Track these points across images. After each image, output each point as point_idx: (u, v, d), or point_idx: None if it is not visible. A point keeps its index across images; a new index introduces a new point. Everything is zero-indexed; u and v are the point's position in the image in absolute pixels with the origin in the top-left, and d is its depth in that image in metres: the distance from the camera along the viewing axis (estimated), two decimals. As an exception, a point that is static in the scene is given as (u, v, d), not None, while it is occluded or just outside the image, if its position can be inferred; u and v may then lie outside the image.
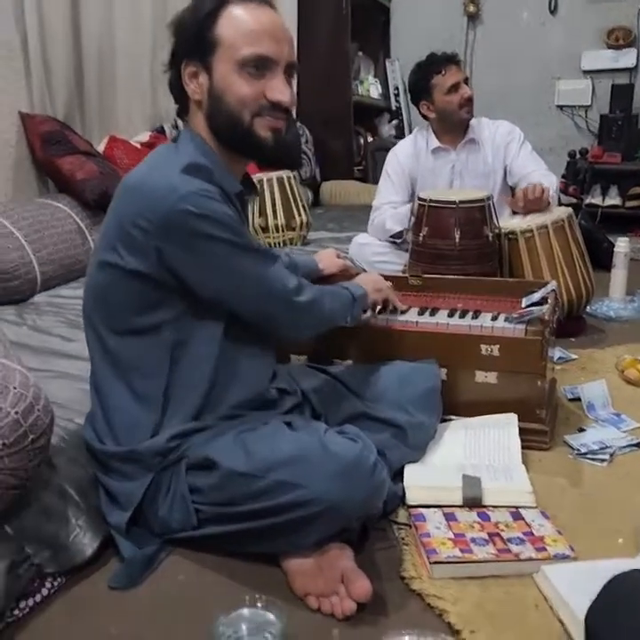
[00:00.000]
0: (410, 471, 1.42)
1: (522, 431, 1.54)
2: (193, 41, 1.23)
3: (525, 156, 2.64)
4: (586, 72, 4.34)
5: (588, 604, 0.91)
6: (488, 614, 1.09)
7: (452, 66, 2.59)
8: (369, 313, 1.67)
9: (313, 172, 4.20)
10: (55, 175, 2.59)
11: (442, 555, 1.18)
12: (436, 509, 1.32)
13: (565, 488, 1.46)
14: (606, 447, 1.58)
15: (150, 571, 1.21)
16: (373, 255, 2.64)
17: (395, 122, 4.85)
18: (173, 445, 1.24)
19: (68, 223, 2.41)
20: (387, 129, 4.83)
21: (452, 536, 1.23)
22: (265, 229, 2.95)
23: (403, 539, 1.29)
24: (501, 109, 3.95)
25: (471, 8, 4.49)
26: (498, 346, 1.58)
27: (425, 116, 2.69)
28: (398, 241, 2.61)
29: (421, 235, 2.14)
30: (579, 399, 1.83)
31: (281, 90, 1.22)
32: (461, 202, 2.09)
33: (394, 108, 4.89)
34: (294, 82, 1.30)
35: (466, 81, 2.62)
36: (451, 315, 1.72)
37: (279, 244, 2.94)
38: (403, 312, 1.73)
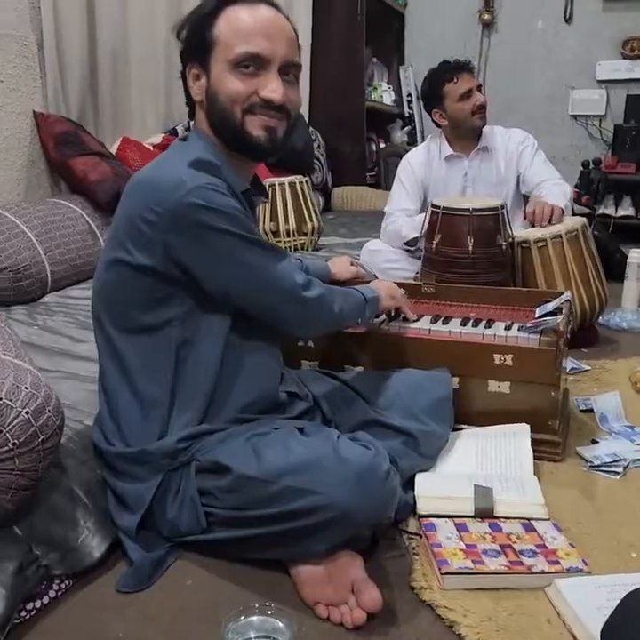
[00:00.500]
0: (421, 480, 1.41)
1: (534, 442, 1.52)
2: (194, 43, 1.24)
3: (539, 165, 2.62)
4: (600, 82, 4.33)
5: (602, 619, 0.90)
6: (499, 627, 1.08)
7: (464, 73, 2.57)
8: (382, 318, 1.67)
9: (324, 177, 4.19)
10: (68, 176, 2.59)
11: (453, 565, 1.17)
12: (446, 519, 1.31)
13: (578, 500, 1.44)
14: (619, 460, 1.57)
15: (158, 575, 1.20)
16: (385, 262, 2.62)
17: (407, 128, 4.85)
18: (183, 447, 1.23)
19: (80, 224, 2.41)
20: (399, 135, 4.82)
21: (464, 547, 1.22)
22: (276, 234, 2.94)
23: (413, 548, 1.27)
24: (515, 118, 3.95)
25: (486, 16, 4.48)
26: (511, 355, 1.57)
27: (437, 124, 2.68)
28: (412, 248, 2.59)
29: (434, 242, 2.13)
30: (591, 410, 1.81)
31: (273, 88, 1.20)
32: (475, 210, 2.08)
33: (407, 114, 4.88)
34: (301, 84, 1.30)
35: (479, 88, 2.61)
36: (464, 323, 1.70)
37: (290, 248, 2.93)
38: (415, 320, 1.72)
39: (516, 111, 4.09)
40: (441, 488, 1.38)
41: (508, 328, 1.66)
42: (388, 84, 4.84)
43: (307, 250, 2.99)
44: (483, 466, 1.48)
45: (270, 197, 2.89)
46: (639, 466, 1.57)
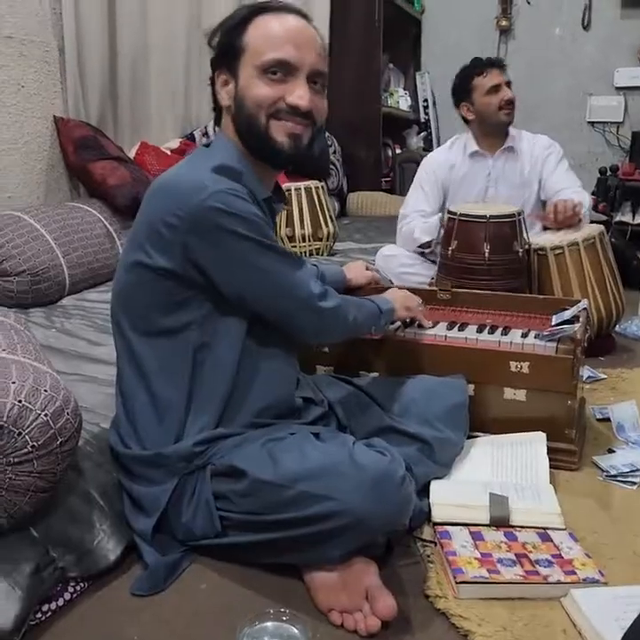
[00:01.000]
0: (436, 488, 1.40)
1: (550, 450, 1.52)
2: (224, 50, 1.26)
3: (561, 173, 2.63)
4: (618, 88, 4.30)
5: (619, 631, 0.89)
6: (514, 637, 1.07)
7: (494, 69, 2.60)
8: (397, 324, 1.67)
9: (340, 182, 4.20)
10: (87, 180, 2.62)
11: (468, 574, 1.16)
12: (461, 527, 1.30)
13: (594, 510, 1.43)
14: (636, 470, 1.55)
15: (173, 578, 1.20)
16: (400, 267, 2.62)
17: (423, 134, 4.85)
18: (199, 451, 1.23)
19: (98, 227, 2.43)
20: (415, 141, 4.82)
21: (479, 555, 1.21)
22: (291, 239, 2.95)
23: (428, 556, 1.27)
24: (532, 124, 3.91)
25: (503, 22, 4.47)
26: (528, 363, 1.56)
27: (465, 120, 2.69)
28: (426, 251, 2.58)
29: (450, 249, 2.12)
30: (608, 419, 1.80)
31: (300, 94, 1.22)
32: (492, 216, 2.08)
33: (423, 120, 4.88)
34: (325, 94, 1.30)
35: (508, 84, 2.62)
36: (480, 330, 1.70)
37: (305, 253, 2.94)
38: (430, 327, 1.71)
39: (533, 118, 4.07)
40: (456, 496, 1.37)
41: (524, 335, 1.65)
42: (405, 89, 4.84)
43: (322, 255, 2.99)
44: (498, 474, 1.47)
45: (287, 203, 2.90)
46: (656, 476, 1.55)
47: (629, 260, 3.07)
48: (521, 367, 1.57)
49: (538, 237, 2.28)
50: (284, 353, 1.36)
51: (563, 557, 1.22)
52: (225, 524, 1.20)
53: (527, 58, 4.48)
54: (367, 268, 1.83)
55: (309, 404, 1.44)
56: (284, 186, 2.86)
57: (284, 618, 1.00)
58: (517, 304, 1.82)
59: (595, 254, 2.23)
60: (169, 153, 3.05)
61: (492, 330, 1.70)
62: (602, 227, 2.33)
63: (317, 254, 2.98)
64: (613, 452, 1.66)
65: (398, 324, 1.69)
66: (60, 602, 1.14)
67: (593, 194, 3.83)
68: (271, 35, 1.22)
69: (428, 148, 4.67)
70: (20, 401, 1.03)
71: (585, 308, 1.70)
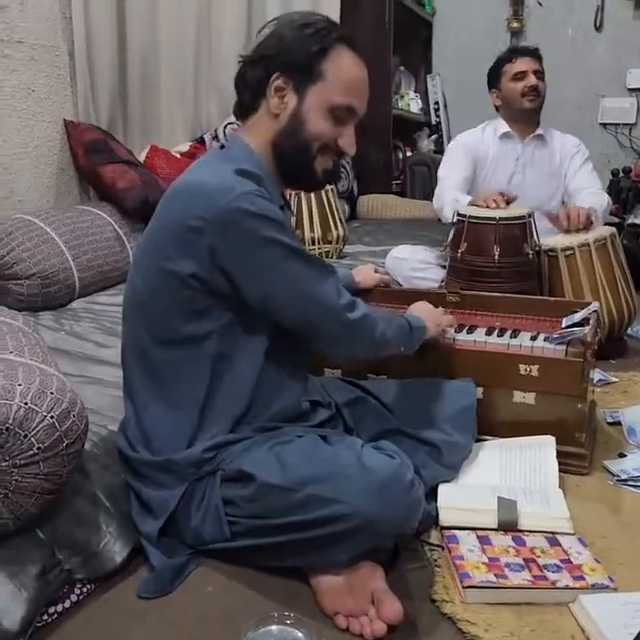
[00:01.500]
0: (444, 491, 1.39)
1: (560, 454, 1.50)
2: (297, 62, 1.24)
3: (585, 173, 2.64)
4: (631, 90, 4.28)
5: (628, 638, 0.88)
6: (522, 643, 1.06)
7: (525, 56, 2.62)
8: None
9: (350, 185, 4.19)
10: (97, 183, 2.63)
11: (475, 579, 1.15)
12: (469, 531, 1.29)
13: (604, 515, 1.42)
14: (647, 474, 1.54)
15: (179, 581, 1.20)
16: (410, 270, 2.59)
17: (434, 137, 4.84)
18: (208, 457, 1.23)
19: (108, 231, 2.44)
20: (426, 143, 4.81)
21: (487, 560, 1.20)
22: (301, 242, 2.94)
23: (435, 560, 1.26)
24: (544, 125, 3.90)
25: (514, 24, 4.46)
26: (537, 366, 1.55)
27: (496, 107, 2.71)
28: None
29: (460, 251, 2.11)
30: (619, 423, 1.78)
31: (352, 143, 1.30)
32: (502, 218, 2.07)
33: (434, 122, 4.87)
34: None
35: (537, 73, 2.61)
36: (489, 333, 1.69)
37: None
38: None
39: (544, 120, 4.02)
40: (464, 500, 1.36)
41: (533, 338, 1.64)
42: (416, 92, 4.84)
43: (331, 258, 2.99)
44: (506, 478, 1.46)
45: (296, 205, 2.90)
46: (668, 480, 1.54)
47: (641, 262, 3.04)
48: (530, 370, 1.56)
49: (548, 239, 2.26)
50: (300, 369, 1.36)
51: (571, 562, 1.20)
52: (233, 529, 1.19)
53: (538, 59, 4.46)
54: (376, 271, 1.82)
55: (317, 407, 1.43)
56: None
57: (289, 622, 1.00)
58: (526, 306, 1.81)
59: (606, 256, 2.21)
60: (179, 156, 3.05)
61: (502, 332, 1.69)
62: (613, 228, 2.31)
63: (327, 257, 2.97)
64: (624, 456, 1.64)
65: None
66: (67, 604, 1.14)
67: (605, 195, 3.80)
68: (352, 80, 1.27)
69: (439, 150, 4.66)
70: (26, 403, 1.03)
71: (596, 311, 1.68)
